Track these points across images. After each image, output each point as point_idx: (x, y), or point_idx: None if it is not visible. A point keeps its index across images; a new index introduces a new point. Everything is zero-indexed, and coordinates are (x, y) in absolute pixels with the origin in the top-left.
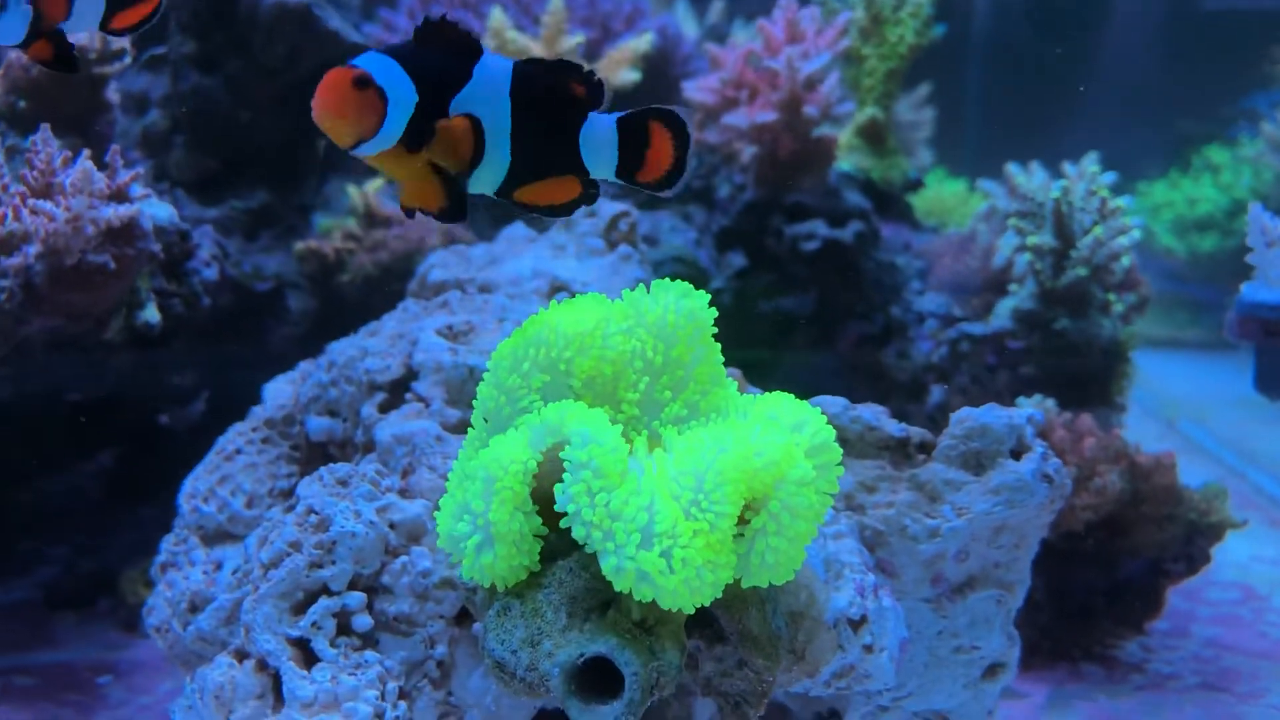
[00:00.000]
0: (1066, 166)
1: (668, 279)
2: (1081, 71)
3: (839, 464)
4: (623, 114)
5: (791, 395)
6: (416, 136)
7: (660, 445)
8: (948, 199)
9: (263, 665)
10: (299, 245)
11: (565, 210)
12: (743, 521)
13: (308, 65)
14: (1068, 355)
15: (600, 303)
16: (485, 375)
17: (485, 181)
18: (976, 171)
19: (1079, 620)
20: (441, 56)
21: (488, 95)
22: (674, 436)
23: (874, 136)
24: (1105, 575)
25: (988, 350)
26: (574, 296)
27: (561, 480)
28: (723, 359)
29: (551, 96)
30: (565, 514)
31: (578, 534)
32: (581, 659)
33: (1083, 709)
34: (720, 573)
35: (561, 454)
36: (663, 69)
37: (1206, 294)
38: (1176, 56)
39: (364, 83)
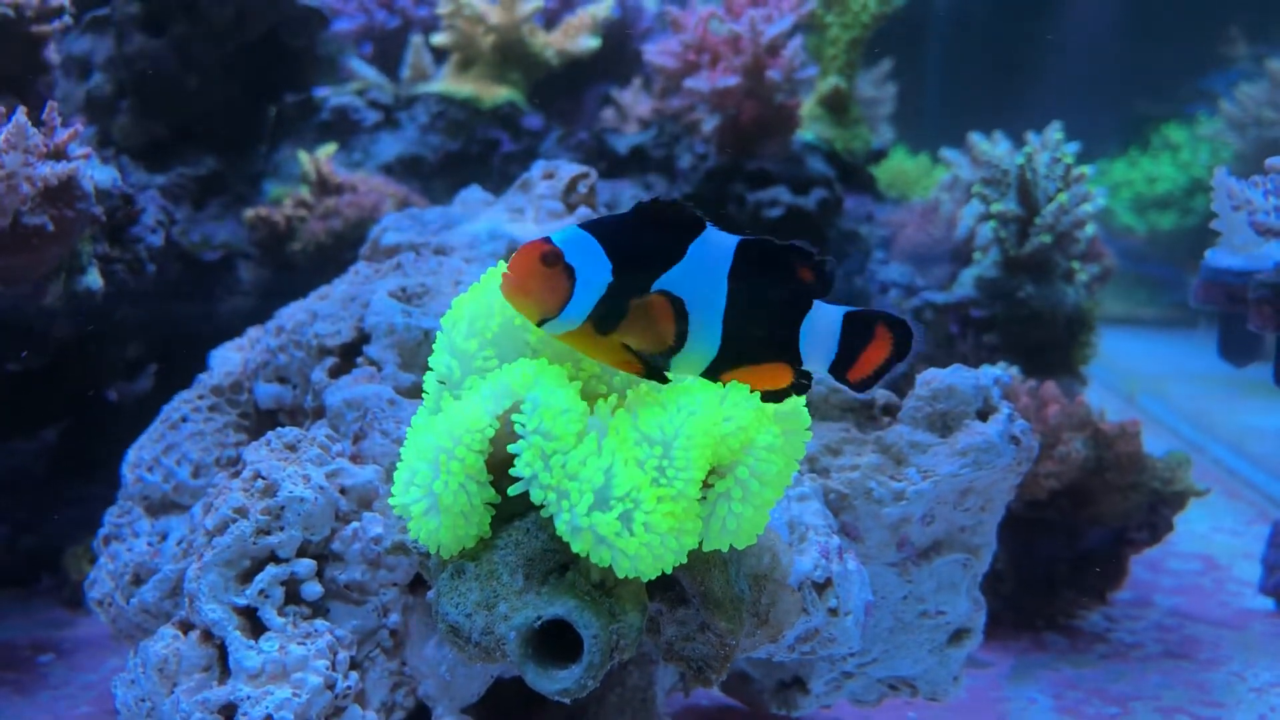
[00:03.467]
0: (1030, 135)
1: None
2: (1040, 52)
3: (807, 429)
4: (852, 310)
5: None
6: (607, 319)
7: (624, 404)
8: (910, 171)
9: (208, 636)
10: (249, 213)
11: (773, 399)
12: (704, 484)
13: (257, 28)
14: (1031, 323)
15: None
16: (439, 335)
17: (690, 364)
18: (936, 150)
19: (1043, 590)
20: (655, 234)
21: (702, 274)
22: (639, 395)
23: (837, 106)
24: (1069, 544)
25: (951, 319)
26: None
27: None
28: None
29: (775, 280)
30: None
31: (535, 497)
32: (539, 621)
33: (1047, 678)
34: (685, 539)
35: (514, 417)
36: (623, 41)
37: (1165, 272)
38: (1135, 37)
39: (552, 259)
